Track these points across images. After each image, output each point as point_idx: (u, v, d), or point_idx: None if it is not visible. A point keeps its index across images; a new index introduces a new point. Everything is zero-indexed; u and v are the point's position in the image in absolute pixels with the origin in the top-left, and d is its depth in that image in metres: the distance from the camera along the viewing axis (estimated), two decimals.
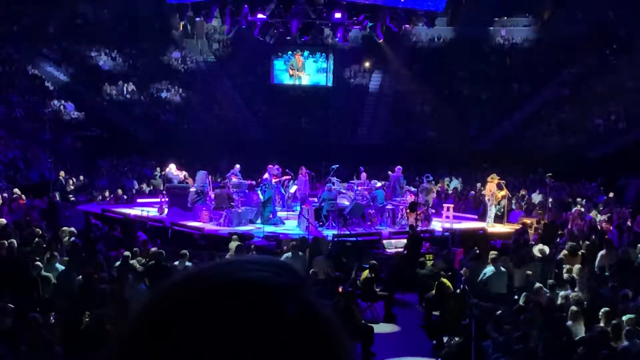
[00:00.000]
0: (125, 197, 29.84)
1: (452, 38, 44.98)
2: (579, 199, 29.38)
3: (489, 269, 18.12)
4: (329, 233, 23.58)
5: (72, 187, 29.30)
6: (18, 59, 39.51)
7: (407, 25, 30.51)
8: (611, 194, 29.56)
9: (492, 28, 44.87)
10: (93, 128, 38.27)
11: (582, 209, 27.52)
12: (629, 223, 24.77)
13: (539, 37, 43.68)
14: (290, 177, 27.48)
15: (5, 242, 17.99)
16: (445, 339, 15.43)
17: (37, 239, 19.89)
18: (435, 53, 44.24)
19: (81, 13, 43.22)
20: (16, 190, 26.99)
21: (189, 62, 44.63)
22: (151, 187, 31.65)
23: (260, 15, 28.96)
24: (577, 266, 18.43)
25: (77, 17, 43.06)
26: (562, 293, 15.55)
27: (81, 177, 30.95)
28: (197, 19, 32.92)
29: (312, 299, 1.17)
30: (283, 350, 1.08)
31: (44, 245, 19.46)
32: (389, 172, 28.02)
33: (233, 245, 20.78)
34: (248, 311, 1.10)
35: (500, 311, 14.94)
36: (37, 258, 17.88)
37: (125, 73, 42.86)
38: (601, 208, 27.58)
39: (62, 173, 29.66)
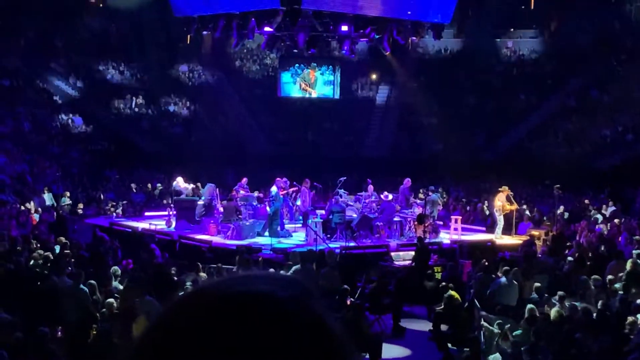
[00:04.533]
0: (132, 210, 29.97)
1: (458, 50, 45.07)
2: (589, 210, 29.37)
3: (502, 281, 18.09)
4: (337, 245, 23.60)
5: (72, 203, 29.26)
6: (26, 72, 39.62)
7: (414, 38, 30.57)
8: (617, 205, 29.53)
9: (498, 40, 44.90)
10: (101, 141, 38.39)
11: (592, 219, 27.53)
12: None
13: (545, 48, 43.71)
14: (297, 189, 27.50)
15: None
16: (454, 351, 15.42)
17: (45, 253, 19.94)
18: (442, 65, 44.31)
19: (88, 26, 43.35)
20: (27, 205, 27.10)
21: (196, 75, 44.78)
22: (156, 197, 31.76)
23: (267, 29, 29.04)
24: (584, 277, 18.43)
25: (84, 31, 43.18)
26: (570, 305, 15.52)
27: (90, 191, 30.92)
28: (204, 32, 33.00)
29: (318, 311, 1.18)
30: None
31: (53, 259, 19.50)
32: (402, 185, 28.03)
33: (239, 258, 20.84)
34: (253, 324, 1.12)
35: (509, 324, 14.93)
36: (46, 271, 17.95)
37: (133, 86, 43.00)
38: (615, 224, 27.46)
39: (67, 193, 29.69)
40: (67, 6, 41.48)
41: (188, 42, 38.32)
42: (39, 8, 40.08)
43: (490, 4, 33.93)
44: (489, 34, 43.70)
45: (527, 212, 29.03)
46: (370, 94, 44.56)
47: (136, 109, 41.88)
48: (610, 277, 18.24)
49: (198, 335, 1.12)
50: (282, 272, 17.81)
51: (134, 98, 42.23)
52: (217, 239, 24.34)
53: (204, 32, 33.19)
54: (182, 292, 1.24)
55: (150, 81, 42.95)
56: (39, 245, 21.12)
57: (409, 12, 28.69)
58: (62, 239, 22.60)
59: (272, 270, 18.02)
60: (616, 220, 26.95)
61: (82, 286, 16.39)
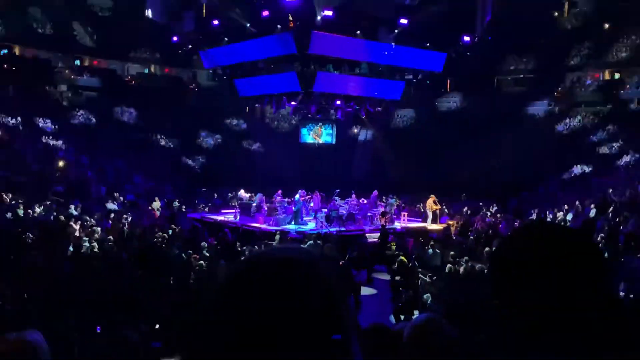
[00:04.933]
0: (215, 209, 30.10)
1: (405, 113, 44.26)
2: (482, 209, 29.33)
3: (430, 251, 18.15)
4: (334, 230, 23.64)
5: (179, 205, 29.31)
6: (152, 130, 39.30)
7: (379, 108, 30.69)
8: (498, 206, 29.47)
9: (436, 103, 43.32)
10: (197, 169, 38.28)
11: (484, 214, 27.55)
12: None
13: (461, 109, 42.17)
14: (311, 196, 27.59)
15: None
16: (402, 295, 15.47)
17: (163, 234, 20.10)
18: (398, 121, 43.66)
19: (188, 104, 42.39)
20: (153, 205, 27.29)
21: (255, 130, 43.83)
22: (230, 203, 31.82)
23: (293, 103, 29.26)
24: (480, 249, 18.46)
25: (186, 106, 42.27)
26: (471, 265, 15.56)
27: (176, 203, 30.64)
28: (257, 105, 33.29)
29: (323, 267, 1.20)
30: (308, 295, 1.13)
31: (167, 238, 19.65)
32: (372, 195, 28.08)
33: (277, 237, 20.94)
34: (289, 274, 1.15)
35: (435, 276, 14.99)
36: (164, 245, 18.07)
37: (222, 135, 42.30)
38: (497, 217, 27.47)
39: (176, 200, 29.74)
40: (177, 93, 41.55)
41: (247, 110, 38.35)
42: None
43: (426, 83, 33.38)
44: (426, 101, 42.58)
45: (446, 210, 29.06)
46: (353, 141, 44.16)
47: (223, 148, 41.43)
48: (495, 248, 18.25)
49: (254, 281, 1.14)
50: (302, 245, 17.88)
51: (218, 140, 41.57)
52: (264, 226, 24.44)
53: (257, 105, 33.40)
54: (243, 257, 1.32)
55: (230, 132, 42.36)
56: (160, 230, 21.32)
57: (376, 93, 28.86)
58: (173, 226, 22.79)
59: (295, 244, 18.08)
60: (498, 215, 27.00)
61: (183, 254, 16.55)
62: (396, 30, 25.48)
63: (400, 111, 43.06)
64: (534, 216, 25.11)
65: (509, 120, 38.43)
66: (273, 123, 44.32)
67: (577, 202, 23.89)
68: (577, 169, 32.64)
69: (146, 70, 44.28)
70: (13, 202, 21.15)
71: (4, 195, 21.39)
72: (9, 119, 30.72)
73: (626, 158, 30.88)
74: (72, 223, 19.81)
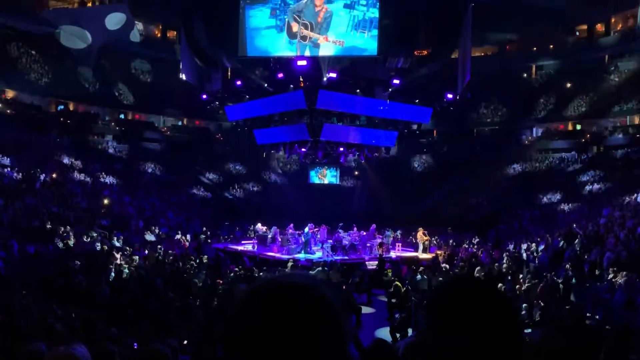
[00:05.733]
0: (235, 239, 29.87)
1: (395, 160, 44.55)
2: (465, 241, 29.01)
3: (418, 277, 17.92)
4: (338, 258, 23.41)
5: (205, 236, 29.21)
6: (181, 182, 39.60)
7: (376, 153, 30.73)
8: (479, 237, 29.17)
9: (424, 149, 43.83)
10: (221, 205, 38.26)
11: (466, 245, 27.24)
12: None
13: (447, 153, 42.70)
14: (318, 229, 27.42)
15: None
16: (397, 315, 15.23)
17: (192, 262, 19.94)
18: (389, 166, 43.84)
19: (216, 149, 42.95)
20: (181, 237, 27.14)
21: (268, 172, 44.33)
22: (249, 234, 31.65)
23: (303, 149, 29.37)
24: (463, 274, 18.19)
25: (215, 151, 42.59)
26: None
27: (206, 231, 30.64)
28: (272, 151, 33.44)
29: (327, 292, 1.19)
30: (312, 316, 1.12)
31: (196, 265, 19.49)
32: (371, 227, 27.87)
33: (289, 264, 20.75)
34: (296, 297, 1.14)
35: (425, 300, 14.71)
36: (192, 272, 17.91)
37: (241, 177, 42.78)
38: (478, 248, 27.13)
39: (202, 235, 29.58)
40: (205, 141, 41.94)
41: (264, 156, 38.55)
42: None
43: (415, 132, 33.46)
44: (416, 148, 43.24)
45: (434, 241, 28.78)
46: (354, 181, 44.20)
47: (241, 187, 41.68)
48: (477, 274, 18.03)
49: (266, 301, 1.13)
50: (310, 272, 17.68)
51: (239, 181, 41.72)
52: (277, 255, 24.23)
53: (272, 151, 33.53)
54: (260, 280, 1.31)
55: (249, 174, 42.67)
56: (188, 258, 21.16)
57: (373, 141, 28.97)
58: (200, 255, 22.64)
59: (304, 270, 17.89)
60: (479, 246, 26.71)
61: (208, 279, 16.39)
62: (390, 89, 25.76)
63: (395, 156, 43.19)
64: (510, 247, 24.84)
65: (486, 164, 38.59)
66: (286, 166, 44.52)
67: (547, 235, 23.65)
68: (547, 204, 32.55)
69: (179, 123, 44.90)
70: (65, 234, 21.11)
71: (57, 228, 21.39)
72: (64, 162, 31.03)
73: (587, 195, 30.86)
74: (114, 252, 19.74)
